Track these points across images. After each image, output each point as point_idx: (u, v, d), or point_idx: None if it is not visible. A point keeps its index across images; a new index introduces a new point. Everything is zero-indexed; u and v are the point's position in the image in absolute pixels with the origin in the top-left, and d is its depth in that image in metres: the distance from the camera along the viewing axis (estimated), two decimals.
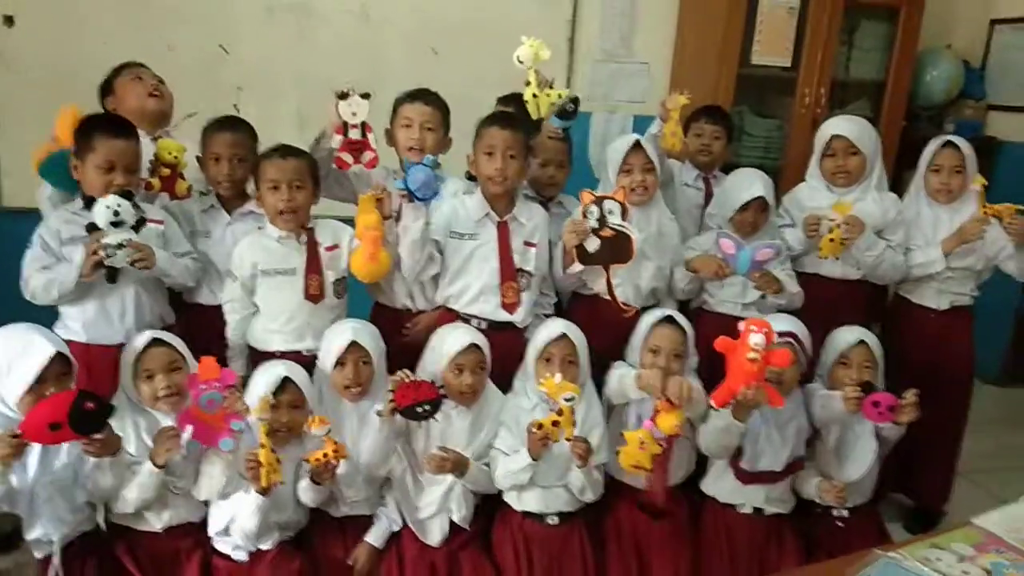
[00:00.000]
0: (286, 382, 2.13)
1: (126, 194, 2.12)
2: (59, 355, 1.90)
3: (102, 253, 2.10)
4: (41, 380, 1.87)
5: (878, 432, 2.37)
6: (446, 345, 2.27)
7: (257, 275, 2.36)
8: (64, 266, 2.19)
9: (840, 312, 2.68)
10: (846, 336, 2.46)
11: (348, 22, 3.66)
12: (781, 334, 2.27)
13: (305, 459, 2.08)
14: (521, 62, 2.41)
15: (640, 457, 2.11)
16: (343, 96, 2.30)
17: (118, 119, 2.29)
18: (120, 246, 2.11)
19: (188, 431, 1.97)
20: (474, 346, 2.26)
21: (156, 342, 2.11)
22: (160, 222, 2.32)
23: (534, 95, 2.44)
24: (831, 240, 2.61)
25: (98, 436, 1.85)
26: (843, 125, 2.80)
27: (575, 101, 2.49)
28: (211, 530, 2.15)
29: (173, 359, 2.10)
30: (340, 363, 2.22)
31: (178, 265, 2.33)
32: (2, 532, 0.93)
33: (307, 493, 2.16)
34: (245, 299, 2.39)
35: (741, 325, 2.08)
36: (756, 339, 2.01)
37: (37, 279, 2.20)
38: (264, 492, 1.99)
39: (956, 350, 2.84)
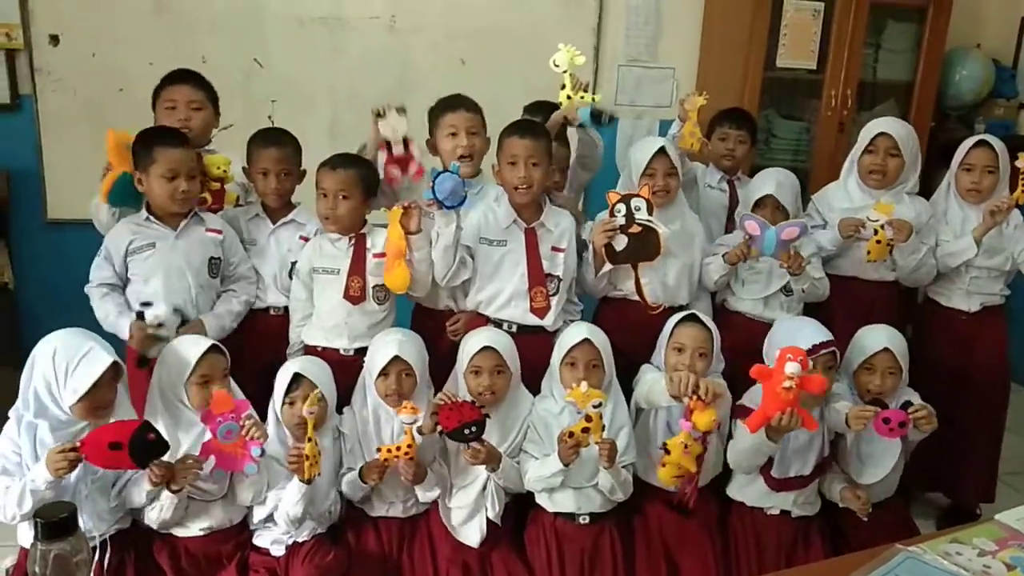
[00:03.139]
0: (298, 378, 2.21)
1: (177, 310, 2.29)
2: (114, 363, 1.98)
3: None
4: (96, 385, 1.95)
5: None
6: (466, 348, 2.34)
7: (311, 272, 2.49)
8: (113, 307, 2.34)
9: (875, 314, 2.67)
10: (871, 341, 2.43)
11: (377, 33, 3.72)
12: (824, 344, 2.29)
13: (378, 448, 2.16)
14: (557, 66, 2.49)
15: (685, 461, 2.13)
16: (380, 115, 2.39)
17: (172, 131, 2.41)
18: (155, 339, 2.24)
19: (211, 461, 2.04)
20: (489, 348, 2.30)
21: (215, 348, 2.18)
22: (219, 232, 2.45)
23: (568, 97, 2.52)
24: (878, 242, 2.60)
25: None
26: (891, 125, 2.80)
27: (612, 119, 2.55)
28: (255, 520, 2.23)
29: (225, 367, 2.18)
30: (384, 374, 2.28)
31: (229, 316, 2.47)
32: (58, 519, 0.99)
33: (350, 486, 2.23)
34: (308, 299, 2.51)
35: (776, 352, 2.11)
36: (792, 368, 2.02)
37: (95, 302, 2.35)
38: (307, 481, 2.08)
39: (989, 351, 2.82)
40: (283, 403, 2.22)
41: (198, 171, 2.38)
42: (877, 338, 2.43)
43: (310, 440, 2.04)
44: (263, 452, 2.05)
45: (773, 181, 2.71)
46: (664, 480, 2.20)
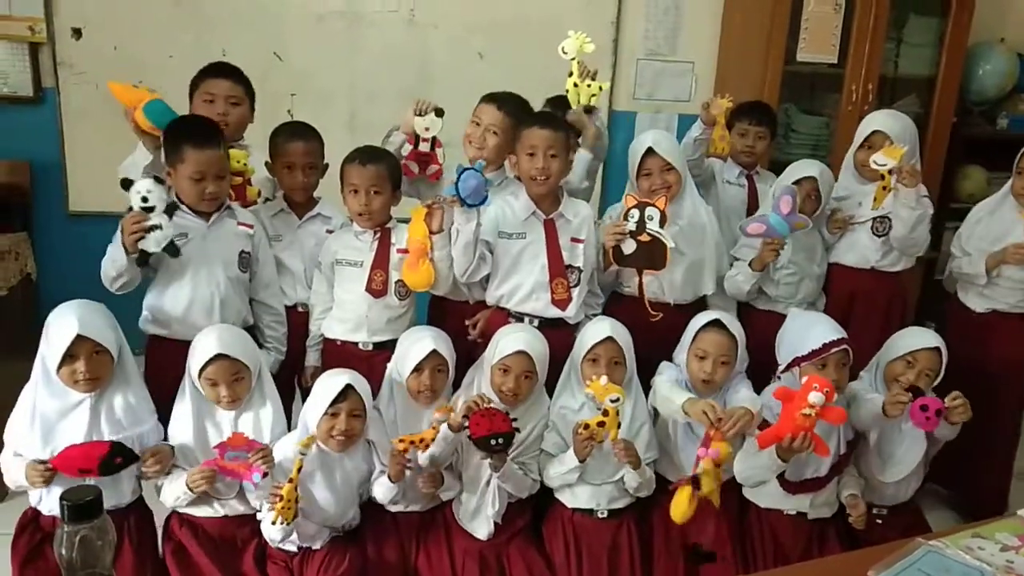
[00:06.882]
0: (348, 390, 2.13)
1: (158, 179, 2.16)
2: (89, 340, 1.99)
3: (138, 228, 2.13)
4: (70, 355, 1.98)
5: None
6: (501, 343, 2.30)
7: (333, 264, 2.49)
8: (115, 246, 2.22)
9: (858, 303, 2.71)
10: (920, 339, 2.40)
11: (396, 27, 3.74)
12: (838, 342, 2.28)
13: (401, 440, 2.14)
14: (566, 53, 2.48)
15: (715, 494, 2.11)
16: (420, 114, 2.43)
17: (204, 127, 2.30)
18: (152, 228, 2.13)
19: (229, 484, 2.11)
20: (524, 353, 2.26)
21: (220, 356, 2.12)
22: (250, 226, 2.40)
23: (575, 85, 2.51)
24: (884, 188, 2.57)
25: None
26: (886, 121, 2.79)
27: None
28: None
29: (236, 371, 2.13)
30: (418, 369, 2.26)
31: (279, 345, 2.50)
32: (84, 501, 1.01)
33: (380, 489, 2.21)
34: (329, 291, 2.51)
35: (805, 378, 2.10)
36: (815, 397, 2.00)
37: (104, 263, 2.25)
38: (282, 522, 2.04)
39: (1004, 352, 2.78)
40: (325, 412, 2.12)
41: (227, 170, 2.31)
42: (929, 338, 2.41)
43: (291, 482, 2.00)
44: (265, 475, 2.06)
45: (817, 168, 2.73)
46: (679, 517, 2.13)
